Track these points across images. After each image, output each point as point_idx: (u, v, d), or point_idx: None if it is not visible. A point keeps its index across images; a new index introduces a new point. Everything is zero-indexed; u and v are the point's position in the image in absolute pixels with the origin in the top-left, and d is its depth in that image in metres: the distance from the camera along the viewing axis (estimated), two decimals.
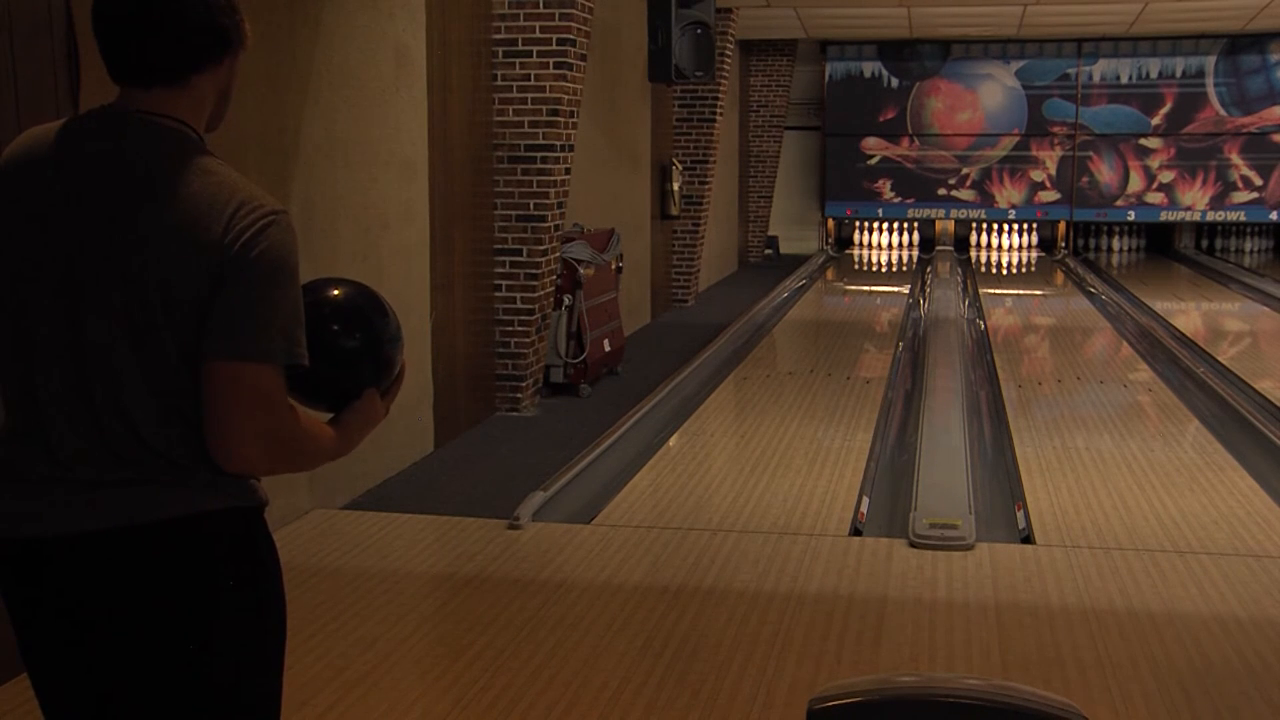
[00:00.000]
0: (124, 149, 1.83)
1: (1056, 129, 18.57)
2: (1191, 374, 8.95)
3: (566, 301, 8.21)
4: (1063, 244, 18.87)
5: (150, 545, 1.81)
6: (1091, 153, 18.55)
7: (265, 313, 1.79)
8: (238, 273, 1.78)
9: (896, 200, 19.08)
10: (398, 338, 2.05)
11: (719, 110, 13.28)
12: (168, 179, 1.81)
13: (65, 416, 1.81)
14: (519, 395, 7.68)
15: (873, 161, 19.07)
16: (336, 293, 2.00)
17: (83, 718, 1.94)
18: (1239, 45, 17.82)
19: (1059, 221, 18.88)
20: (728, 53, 13.30)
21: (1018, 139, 18.69)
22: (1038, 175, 18.74)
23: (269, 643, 1.96)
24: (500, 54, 7.60)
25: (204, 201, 1.80)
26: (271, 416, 1.80)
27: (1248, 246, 18.76)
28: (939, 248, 18.99)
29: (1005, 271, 17.46)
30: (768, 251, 18.30)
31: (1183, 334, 11.05)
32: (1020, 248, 19.05)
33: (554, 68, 7.56)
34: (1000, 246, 19.12)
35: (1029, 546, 5.13)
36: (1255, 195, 18.26)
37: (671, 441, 7.11)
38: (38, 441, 1.83)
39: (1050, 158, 18.66)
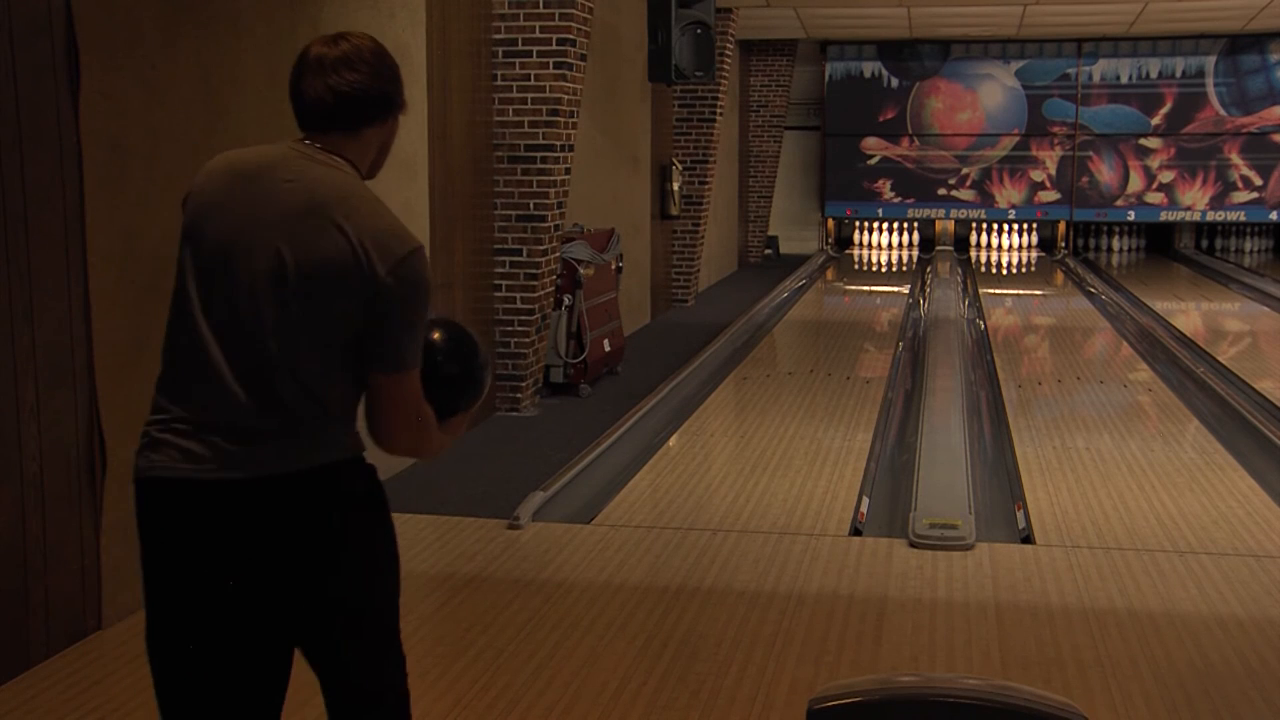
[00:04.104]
0: (308, 178, 2.27)
1: (1056, 129, 18.57)
2: (1191, 374, 8.95)
3: (566, 301, 8.21)
4: (1063, 244, 18.87)
5: (303, 485, 2.22)
6: (1091, 153, 18.55)
7: (414, 331, 2.26)
8: (392, 297, 2.22)
9: (896, 200, 19.08)
10: (487, 365, 2.54)
11: (719, 110, 13.28)
12: (340, 206, 2.24)
13: (241, 387, 2.21)
14: (519, 395, 7.68)
15: (873, 161, 19.07)
16: (437, 335, 2.43)
17: (242, 640, 2.26)
18: (1239, 45, 17.81)
19: (1059, 221, 18.88)
20: (728, 53, 13.29)
21: (1018, 139, 18.69)
22: (1038, 175, 18.74)
23: (390, 553, 2.36)
24: (500, 54, 7.60)
25: (365, 227, 2.23)
26: (421, 414, 2.32)
27: (1248, 246, 18.76)
28: (939, 248, 18.99)
29: (1005, 271, 17.45)
30: (768, 251, 18.29)
31: (1183, 334, 11.05)
32: (1020, 248, 19.05)
33: (554, 68, 7.56)
34: (1000, 246, 19.12)
35: (1029, 546, 5.13)
36: (1255, 195, 18.26)
37: (671, 441, 7.11)
38: (215, 405, 2.22)
39: (1050, 158, 18.66)
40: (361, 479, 2.30)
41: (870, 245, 19.43)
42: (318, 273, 2.21)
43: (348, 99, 2.32)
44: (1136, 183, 18.49)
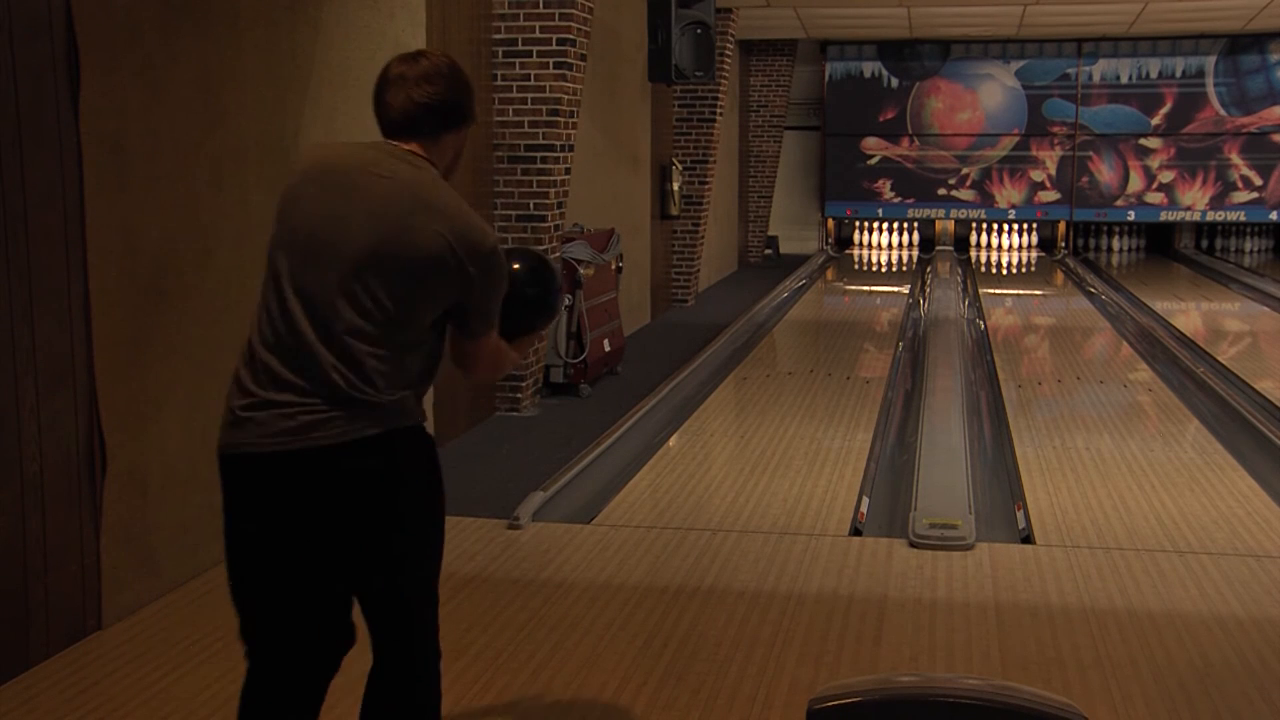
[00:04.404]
0: (401, 175, 2.57)
1: (1056, 129, 18.57)
2: (1191, 374, 8.95)
3: (566, 301, 8.21)
4: (1063, 244, 18.87)
5: (369, 449, 2.51)
6: (1091, 153, 18.55)
7: (493, 309, 2.66)
8: (477, 285, 2.58)
9: (896, 200, 19.08)
10: (561, 290, 2.98)
11: (719, 110, 13.28)
12: (433, 203, 2.56)
13: (324, 360, 2.49)
14: (519, 395, 7.68)
15: (873, 161, 19.07)
16: (517, 265, 2.83)
17: (318, 583, 2.60)
18: (1239, 45, 17.81)
19: (1059, 221, 18.88)
20: (728, 53, 13.29)
21: (1018, 139, 18.69)
22: (1038, 175, 18.74)
23: (439, 508, 2.68)
24: (500, 54, 7.60)
25: (456, 225, 2.55)
26: (498, 356, 2.76)
27: (1248, 246, 18.76)
28: (939, 248, 18.99)
29: (1005, 271, 17.46)
30: (768, 251, 18.29)
31: (1183, 334, 11.05)
32: (1020, 248, 19.05)
33: (554, 68, 7.56)
34: (1000, 246, 19.12)
35: (1029, 546, 5.13)
36: (1255, 195, 18.26)
37: (671, 441, 7.11)
38: (299, 376, 2.50)
39: (1050, 158, 18.66)
40: (421, 446, 2.61)
41: (870, 245, 19.43)
42: (410, 261, 2.51)
43: (428, 108, 2.62)
44: (1136, 183, 18.49)
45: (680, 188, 12.92)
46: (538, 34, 7.54)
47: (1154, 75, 18.21)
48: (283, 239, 2.59)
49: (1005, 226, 19.09)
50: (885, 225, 19.39)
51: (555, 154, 7.61)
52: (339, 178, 2.58)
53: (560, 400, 8.12)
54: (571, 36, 7.55)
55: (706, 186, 13.33)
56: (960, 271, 16.24)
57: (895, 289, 15.20)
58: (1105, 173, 18.57)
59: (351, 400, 2.50)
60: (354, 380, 2.50)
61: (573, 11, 7.52)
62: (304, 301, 2.52)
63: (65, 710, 3.56)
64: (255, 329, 2.59)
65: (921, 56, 18.66)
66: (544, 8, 7.49)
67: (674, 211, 12.80)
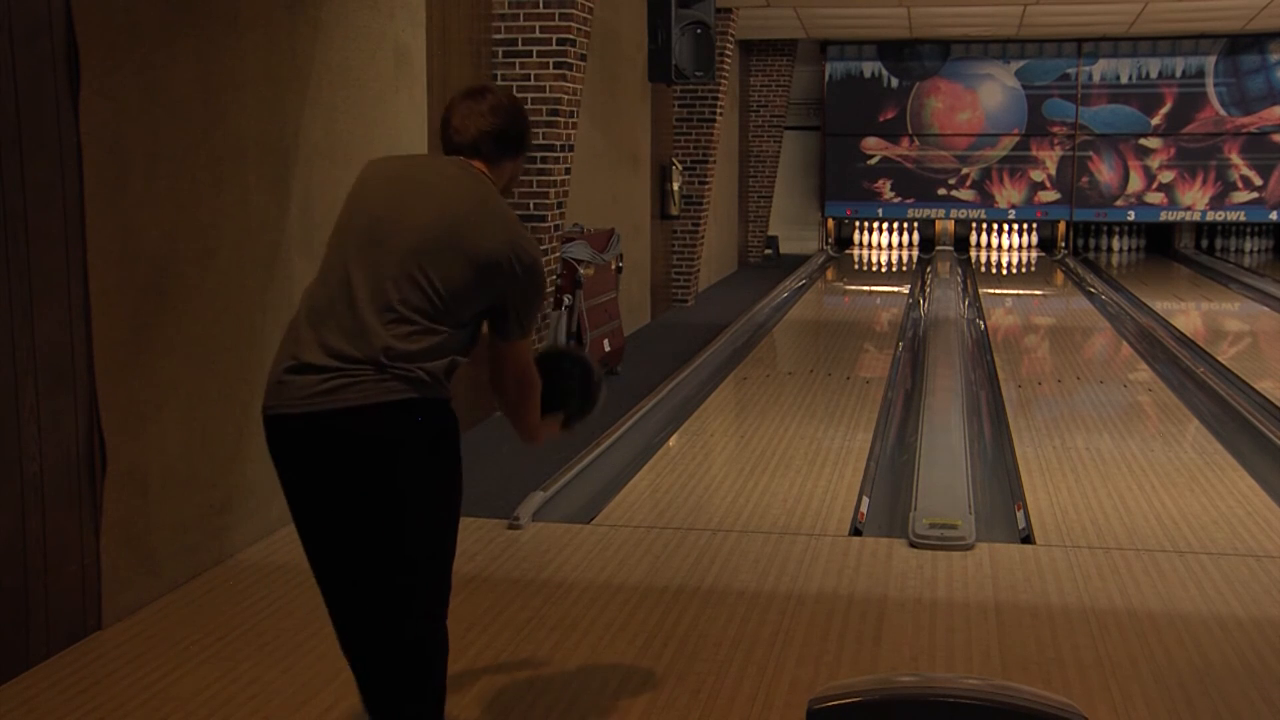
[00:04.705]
0: (467, 180, 2.89)
1: (1056, 129, 18.57)
2: (1191, 374, 8.95)
3: (566, 301, 8.20)
4: (1063, 244, 18.87)
5: (397, 412, 2.72)
6: (1091, 153, 18.55)
7: (532, 315, 2.90)
8: (521, 290, 2.84)
9: (896, 200, 19.08)
10: (601, 384, 3.36)
11: (719, 110, 13.27)
12: (489, 205, 2.86)
13: (378, 335, 2.72)
14: None
15: (873, 161, 19.07)
16: (575, 370, 3.30)
17: (341, 534, 2.78)
18: (1239, 45, 17.82)
19: (1059, 221, 18.89)
20: (728, 53, 13.29)
21: (1018, 139, 18.70)
22: (1038, 175, 18.74)
23: (455, 473, 2.86)
24: (500, 54, 7.60)
25: (511, 233, 2.85)
26: (526, 373, 2.97)
27: (1248, 246, 18.76)
28: (939, 248, 18.99)
29: (1005, 271, 17.46)
30: (768, 251, 18.29)
31: (1183, 334, 11.05)
32: (1020, 248, 19.05)
33: (554, 68, 7.56)
34: (1000, 246, 19.12)
35: (1029, 546, 5.13)
36: (1255, 195, 18.26)
37: (671, 441, 7.11)
38: (350, 346, 2.72)
39: (1050, 158, 18.66)
40: (445, 417, 2.81)
41: (870, 245, 19.44)
42: (469, 254, 2.77)
43: (492, 135, 2.95)
44: (1136, 183, 18.50)
45: (680, 188, 12.92)
46: (538, 34, 7.54)
47: (1154, 75, 18.21)
48: (349, 222, 2.86)
49: (1005, 226, 19.10)
50: (885, 225, 19.39)
51: (555, 154, 7.61)
52: (408, 173, 2.94)
53: None
54: (571, 36, 7.55)
55: (706, 186, 13.33)
56: (960, 271, 16.24)
57: (895, 289, 15.20)
58: (1105, 173, 18.57)
59: (389, 370, 2.71)
60: (397, 353, 2.71)
61: (573, 11, 7.52)
62: (365, 279, 2.76)
63: (65, 710, 3.56)
64: (308, 301, 2.82)
65: (921, 56, 18.67)
66: (544, 8, 7.49)
67: (674, 211, 12.80)
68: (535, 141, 7.61)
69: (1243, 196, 18.29)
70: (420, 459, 2.75)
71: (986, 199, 18.90)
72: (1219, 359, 9.67)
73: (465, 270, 2.76)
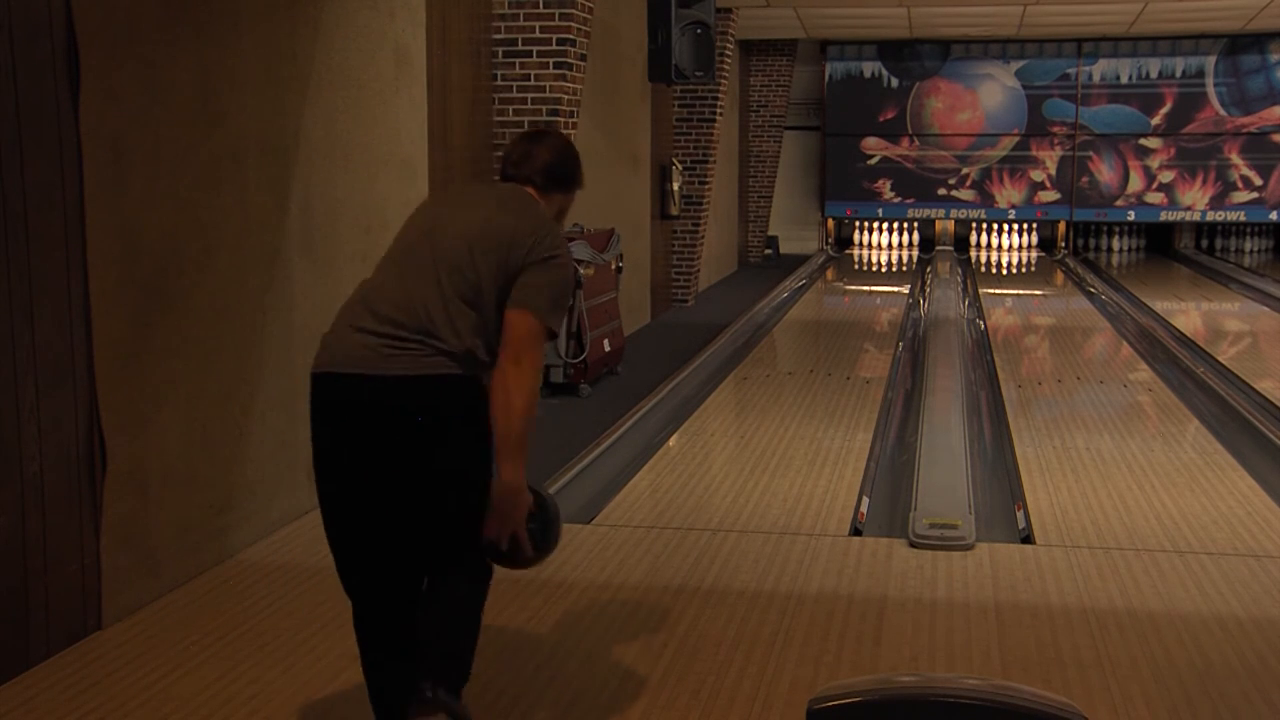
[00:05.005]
0: (519, 197, 3.29)
1: (1056, 129, 18.58)
2: (1191, 374, 8.96)
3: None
4: (1063, 244, 18.88)
5: (440, 385, 3.04)
6: (1091, 153, 18.55)
7: (545, 289, 3.13)
8: (537, 254, 3.12)
9: (896, 200, 19.09)
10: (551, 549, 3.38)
11: (719, 110, 13.27)
12: (533, 211, 3.26)
13: (438, 312, 3.04)
14: None
15: (873, 161, 19.08)
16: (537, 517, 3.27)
17: (380, 491, 3.05)
18: (1239, 45, 17.82)
19: (1059, 221, 18.89)
20: (728, 53, 13.29)
21: (1018, 139, 18.70)
22: (1038, 175, 18.74)
23: (488, 442, 3.11)
24: (500, 54, 7.60)
25: (546, 223, 3.23)
26: (529, 344, 3.14)
27: (1248, 246, 18.76)
28: (939, 248, 18.99)
29: (1005, 271, 17.46)
30: (768, 251, 18.30)
31: (1183, 334, 11.05)
32: (1020, 248, 19.05)
33: (554, 68, 7.56)
34: (1000, 246, 19.12)
35: (1029, 546, 5.13)
36: (1255, 195, 18.27)
37: (671, 441, 7.11)
38: (408, 318, 3.04)
39: (1050, 158, 18.66)
40: (478, 390, 3.10)
41: (870, 245, 19.44)
42: (503, 241, 3.10)
43: (547, 170, 3.34)
44: (1136, 183, 18.50)
45: (680, 188, 12.92)
46: (538, 34, 7.54)
47: (1154, 75, 18.21)
48: (411, 222, 3.29)
49: (1005, 226, 19.10)
50: (885, 225, 19.39)
51: None
52: (467, 188, 3.70)
53: (560, 400, 8.12)
54: (571, 36, 7.55)
55: (706, 186, 13.33)
56: (960, 271, 16.24)
57: (895, 289, 15.20)
58: (1105, 173, 18.57)
59: (435, 345, 3.03)
60: (445, 331, 3.03)
61: (573, 11, 7.52)
62: (432, 265, 3.09)
63: (65, 710, 3.56)
64: (363, 286, 3.17)
65: (921, 56, 18.67)
66: (544, 8, 7.49)
67: (674, 211, 12.80)
68: None
69: (1243, 196, 18.29)
70: (458, 427, 3.05)
71: (986, 199, 18.90)
72: (1219, 359, 9.67)
73: (500, 254, 3.09)
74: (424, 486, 3.04)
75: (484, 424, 3.10)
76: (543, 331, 3.12)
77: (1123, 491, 5.91)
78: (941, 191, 18.98)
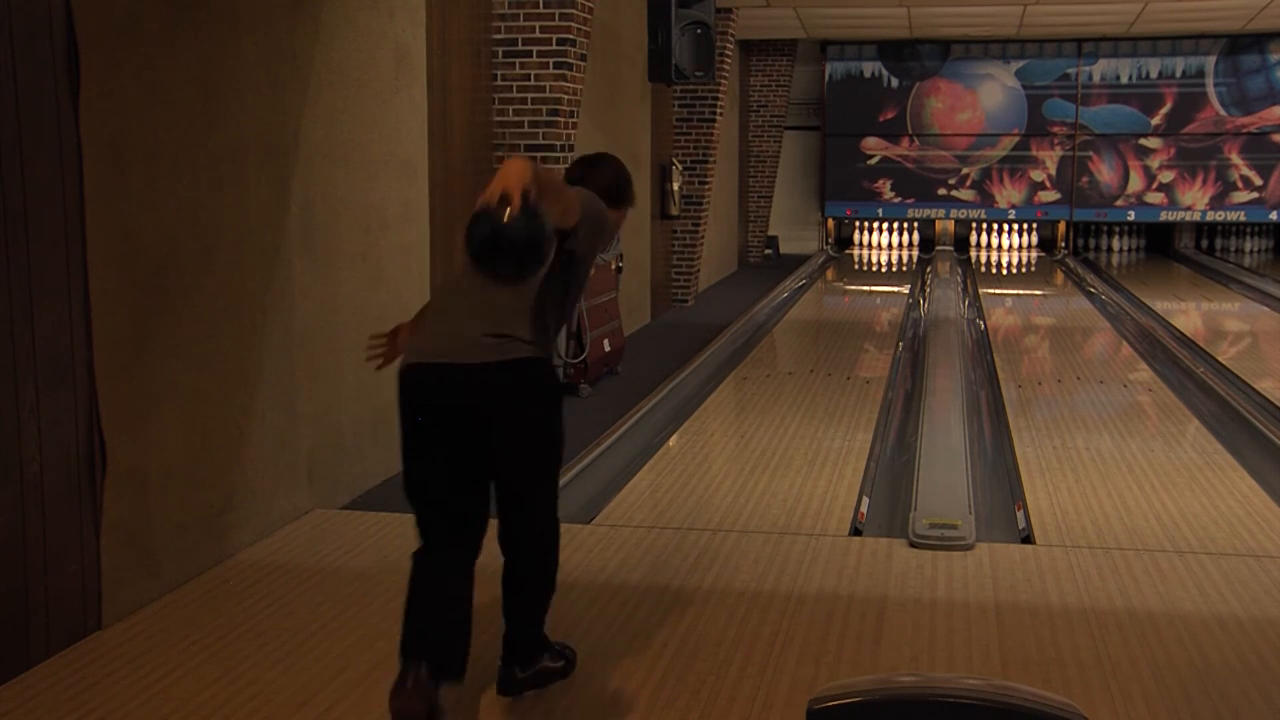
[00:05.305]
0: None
1: (1056, 129, 18.58)
2: (1191, 374, 8.96)
3: None
4: (1063, 244, 18.88)
5: (516, 367, 3.47)
6: (1091, 153, 18.55)
7: (593, 228, 3.68)
8: (589, 209, 3.61)
9: (896, 200, 19.09)
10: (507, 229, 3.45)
11: (719, 110, 13.27)
12: (584, 192, 3.71)
13: (498, 313, 3.46)
14: None
15: (873, 161, 19.08)
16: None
17: (476, 469, 3.53)
18: (1239, 45, 17.82)
19: (1059, 221, 18.89)
20: (728, 53, 13.29)
21: (1018, 139, 18.70)
22: (1038, 175, 18.74)
23: (561, 417, 3.63)
24: (500, 54, 7.60)
25: (597, 203, 3.75)
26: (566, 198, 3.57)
27: (1248, 246, 18.77)
28: (939, 248, 19.00)
29: (1005, 271, 17.46)
30: (768, 251, 18.30)
31: (1183, 334, 11.05)
32: (1020, 248, 19.05)
33: (554, 68, 7.56)
34: (1000, 246, 19.12)
35: (1029, 546, 5.13)
36: (1255, 195, 18.27)
37: (671, 441, 7.11)
38: (471, 319, 3.47)
39: (1050, 158, 18.66)
40: (549, 371, 3.57)
41: (870, 245, 19.44)
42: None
43: (603, 189, 3.84)
44: (1136, 183, 18.50)
45: (680, 188, 12.92)
46: (538, 34, 7.54)
47: (1154, 75, 18.21)
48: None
49: (1005, 226, 19.10)
50: (885, 225, 19.40)
51: (555, 154, 7.61)
52: None
53: None
54: (571, 36, 7.55)
55: (706, 186, 13.33)
56: (960, 271, 16.24)
57: (895, 289, 15.20)
58: (1105, 173, 18.58)
59: (509, 334, 3.45)
60: (516, 322, 3.45)
61: (573, 11, 7.52)
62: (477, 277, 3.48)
63: (65, 710, 3.56)
64: (447, 285, 3.79)
65: (921, 56, 18.67)
66: (544, 8, 7.49)
67: (674, 211, 12.80)
68: (535, 141, 7.61)
69: (1243, 196, 18.29)
70: (539, 400, 3.52)
71: (986, 199, 18.91)
72: (1219, 359, 9.67)
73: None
74: (510, 441, 3.50)
75: (558, 393, 3.60)
76: (578, 206, 3.49)
77: (1123, 491, 5.91)
78: (941, 191, 18.98)
